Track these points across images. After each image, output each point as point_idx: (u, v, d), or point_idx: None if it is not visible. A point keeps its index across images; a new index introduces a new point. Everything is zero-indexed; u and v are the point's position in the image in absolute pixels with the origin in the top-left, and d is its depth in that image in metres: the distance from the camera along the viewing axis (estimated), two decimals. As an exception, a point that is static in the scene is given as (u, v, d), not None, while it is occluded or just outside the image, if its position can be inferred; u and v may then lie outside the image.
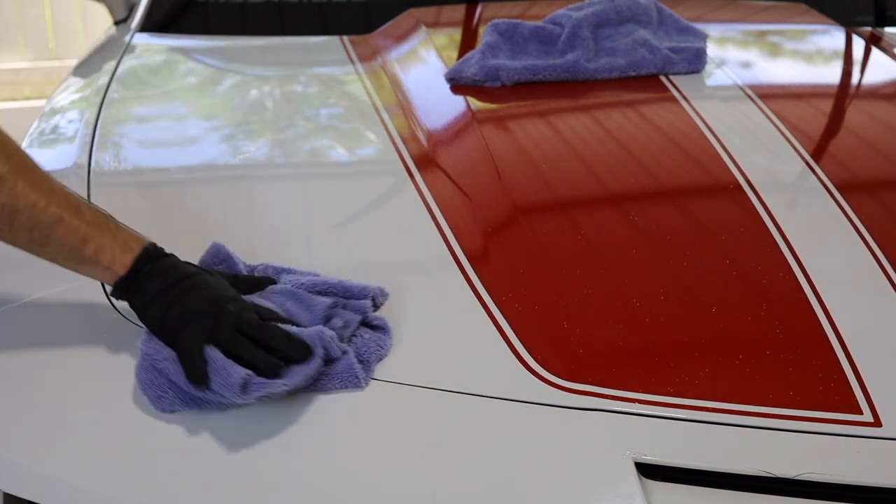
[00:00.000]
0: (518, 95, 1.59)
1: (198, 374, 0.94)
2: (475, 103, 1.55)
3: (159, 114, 1.71)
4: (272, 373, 0.95)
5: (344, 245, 1.22)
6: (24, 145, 1.55)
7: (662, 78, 1.62)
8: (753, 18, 2.10)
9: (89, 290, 1.12)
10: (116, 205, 1.32)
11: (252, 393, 0.94)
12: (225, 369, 0.94)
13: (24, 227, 0.98)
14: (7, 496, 0.95)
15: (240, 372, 0.94)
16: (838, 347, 1.01)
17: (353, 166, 1.46)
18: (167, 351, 0.98)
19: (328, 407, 0.97)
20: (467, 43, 1.86)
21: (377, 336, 1.04)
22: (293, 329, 0.99)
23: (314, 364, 0.96)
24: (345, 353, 1.00)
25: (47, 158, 1.51)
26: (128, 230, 1.04)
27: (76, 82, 1.86)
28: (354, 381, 0.98)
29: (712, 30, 1.81)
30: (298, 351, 0.97)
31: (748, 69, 1.77)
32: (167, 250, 1.06)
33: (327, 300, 1.06)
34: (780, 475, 0.89)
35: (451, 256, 1.16)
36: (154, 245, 1.04)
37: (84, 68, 1.96)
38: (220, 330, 0.97)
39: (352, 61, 1.82)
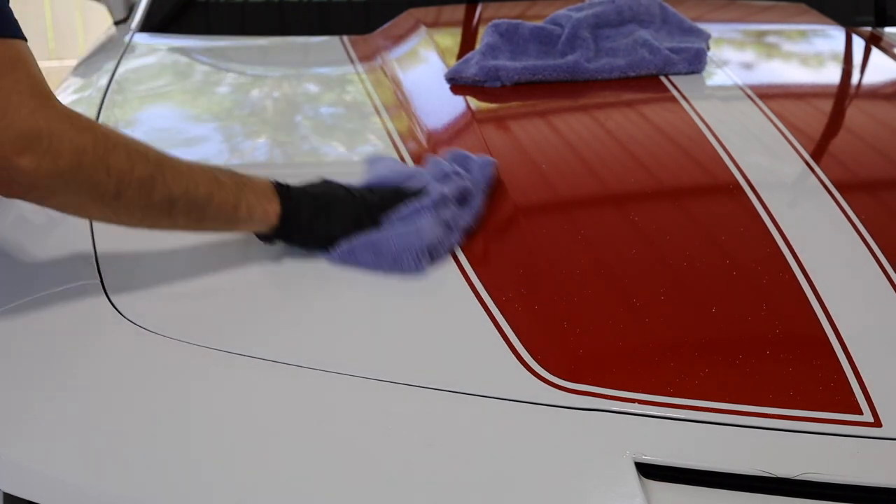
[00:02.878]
0: (518, 95, 1.59)
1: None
2: (475, 103, 1.55)
3: (159, 114, 1.71)
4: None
5: (344, 245, 1.22)
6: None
7: (662, 78, 1.62)
8: (753, 18, 2.10)
9: (89, 290, 1.12)
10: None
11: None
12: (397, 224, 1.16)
13: (181, 212, 1.07)
14: (7, 496, 0.95)
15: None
16: (838, 347, 1.01)
17: (354, 166, 1.46)
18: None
19: (327, 406, 0.97)
20: (467, 43, 1.86)
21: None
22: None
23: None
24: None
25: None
26: (257, 179, 1.14)
27: (76, 82, 1.86)
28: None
29: (712, 29, 1.81)
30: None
31: (748, 69, 1.77)
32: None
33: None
34: (780, 475, 0.89)
35: (450, 256, 1.16)
36: (277, 183, 1.15)
37: (84, 68, 1.96)
38: (367, 221, 1.16)
39: (352, 61, 1.83)
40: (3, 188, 0.98)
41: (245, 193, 1.11)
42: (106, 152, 1.00)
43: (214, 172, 1.10)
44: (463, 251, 1.16)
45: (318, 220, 1.14)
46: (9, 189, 0.98)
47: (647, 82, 1.62)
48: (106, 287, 1.12)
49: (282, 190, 1.14)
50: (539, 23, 1.72)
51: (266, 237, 1.15)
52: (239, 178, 1.12)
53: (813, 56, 1.94)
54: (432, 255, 1.13)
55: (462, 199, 1.21)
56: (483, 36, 1.70)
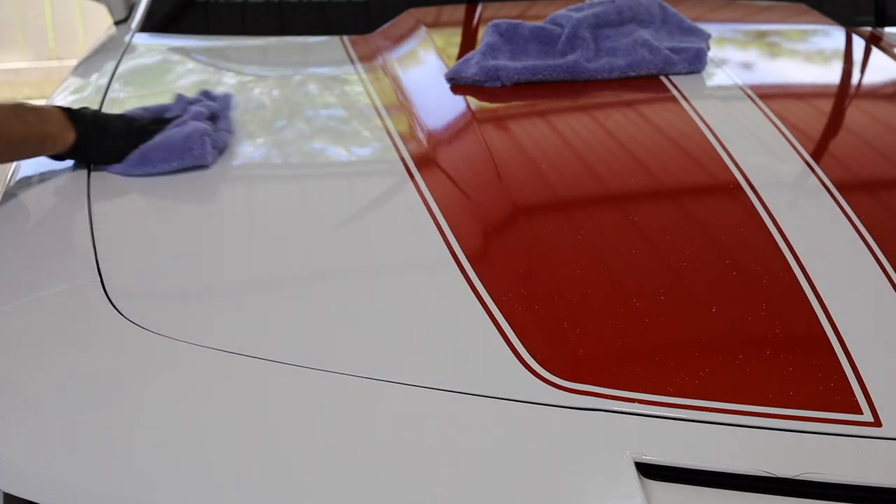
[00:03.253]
0: (518, 95, 1.59)
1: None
2: (475, 103, 1.55)
3: (159, 114, 1.71)
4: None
5: (344, 245, 1.22)
6: (23, 145, 1.57)
7: (662, 78, 1.62)
8: (753, 18, 2.10)
9: (89, 290, 1.12)
10: (117, 204, 1.33)
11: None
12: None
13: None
14: (7, 496, 0.95)
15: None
16: (838, 347, 1.01)
17: (353, 166, 1.46)
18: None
19: (327, 406, 0.97)
20: (467, 43, 1.86)
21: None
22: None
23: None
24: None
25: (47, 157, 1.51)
26: (50, 110, 1.37)
27: (76, 82, 1.86)
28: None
29: (712, 29, 1.82)
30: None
31: (748, 69, 1.77)
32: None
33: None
34: (780, 475, 0.89)
35: (451, 256, 1.16)
36: (69, 111, 1.39)
37: (84, 68, 1.96)
38: (145, 136, 1.42)
39: (352, 61, 1.83)
40: None
41: (48, 127, 1.35)
42: None
43: (20, 113, 1.32)
44: (463, 251, 1.16)
45: (105, 139, 1.39)
46: None
47: (647, 82, 1.62)
48: (106, 287, 1.12)
49: (75, 116, 1.38)
50: (539, 23, 1.73)
51: (59, 157, 1.39)
52: (39, 113, 1.35)
53: (813, 56, 1.94)
54: (215, 144, 1.40)
55: (213, 117, 1.47)
56: (483, 36, 1.70)
